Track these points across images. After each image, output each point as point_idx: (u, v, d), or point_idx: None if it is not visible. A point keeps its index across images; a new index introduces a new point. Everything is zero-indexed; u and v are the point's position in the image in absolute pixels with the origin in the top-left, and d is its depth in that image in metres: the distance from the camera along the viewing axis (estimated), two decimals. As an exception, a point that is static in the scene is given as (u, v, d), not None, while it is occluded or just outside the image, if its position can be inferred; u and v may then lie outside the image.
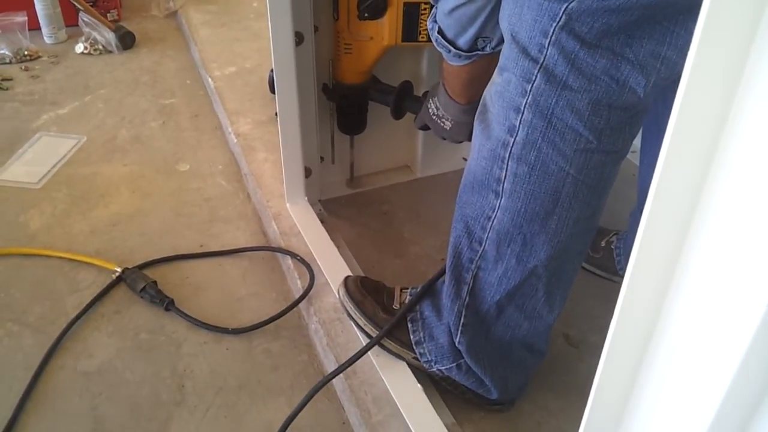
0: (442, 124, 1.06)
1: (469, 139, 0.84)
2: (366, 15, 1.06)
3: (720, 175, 0.36)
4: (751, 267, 0.34)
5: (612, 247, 1.15)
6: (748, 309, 0.34)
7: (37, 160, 1.51)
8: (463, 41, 0.83)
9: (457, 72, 0.93)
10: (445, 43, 0.85)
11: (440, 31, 0.85)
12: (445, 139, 1.10)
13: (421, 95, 1.17)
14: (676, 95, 0.34)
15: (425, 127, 1.13)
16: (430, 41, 0.88)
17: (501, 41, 0.75)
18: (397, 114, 1.19)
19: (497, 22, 0.76)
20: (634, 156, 1.16)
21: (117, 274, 1.15)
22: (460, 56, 0.86)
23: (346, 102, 1.21)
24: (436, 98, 1.06)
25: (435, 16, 0.84)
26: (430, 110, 1.07)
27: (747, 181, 0.34)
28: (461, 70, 0.90)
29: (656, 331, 0.43)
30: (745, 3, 0.32)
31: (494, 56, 0.74)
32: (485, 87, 0.76)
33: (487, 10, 0.76)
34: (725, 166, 0.36)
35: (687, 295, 0.40)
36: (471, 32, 0.80)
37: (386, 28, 1.07)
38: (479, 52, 0.84)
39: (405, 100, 1.18)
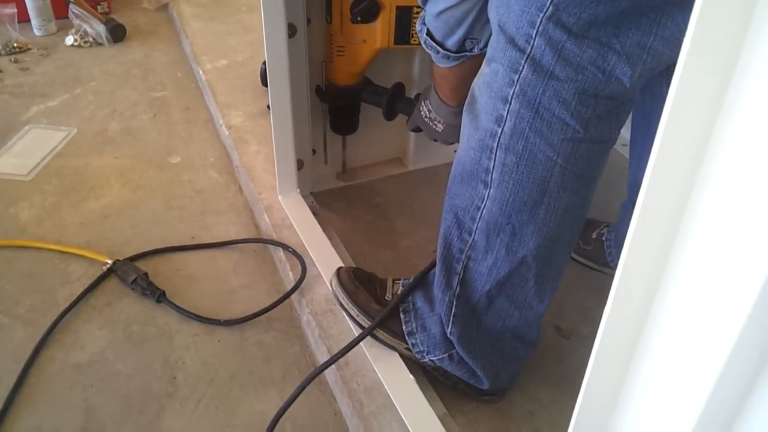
0: (434, 126, 1.07)
1: None
2: (359, 18, 1.06)
3: (712, 168, 0.37)
4: (742, 260, 0.35)
5: (603, 239, 1.16)
6: (738, 301, 0.35)
7: (26, 152, 1.50)
8: (451, 43, 0.84)
9: (446, 74, 0.93)
10: (434, 45, 0.86)
11: (429, 33, 0.85)
12: (436, 140, 1.10)
13: (413, 97, 1.17)
14: (670, 88, 0.34)
15: (417, 129, 1.14)
16: None
17: (488, 42, 0.76)
18: (390, 116, 1.20)
19: (485, 24, 0.77)
20: (624, 149, 1.16)
21: (108, 266, 1.14)
22: (448, 57, 0.86)
23: (338, 103, 1.21)
24: (427, 101, 1.06)
25: (424, 19, 0.85)
26: (422, 113, 1.08)
27: (739, 173, 0.35)
28: (450, 72, 0.91)
29: (648, 323, 0.43)
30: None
31: (482, 58, 0.75)
32: None
33: (475, 12, 0.77)
34: (717, 158, 0.36)
35: (678, 288, 0.40)
36: (459, 34, 0.81)
37: (379, 31, 1.07)
38: (467, 53, 0.85)
39: (397, 102, 1.18)
